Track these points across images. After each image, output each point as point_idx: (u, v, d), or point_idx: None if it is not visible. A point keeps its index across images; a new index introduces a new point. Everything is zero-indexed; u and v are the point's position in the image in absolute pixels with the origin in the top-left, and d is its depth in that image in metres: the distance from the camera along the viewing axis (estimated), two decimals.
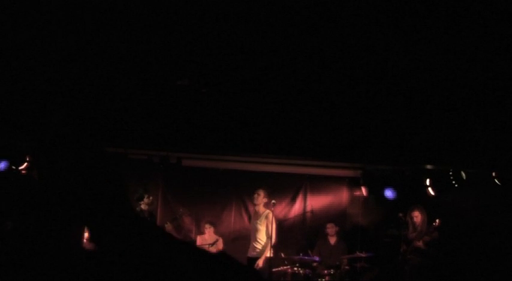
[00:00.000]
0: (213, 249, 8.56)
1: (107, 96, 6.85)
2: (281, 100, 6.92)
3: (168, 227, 8.57)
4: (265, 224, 8.42)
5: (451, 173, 7.11)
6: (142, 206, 8.39)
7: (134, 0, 4.62)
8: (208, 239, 9.06)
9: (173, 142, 8.02)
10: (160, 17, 4.93)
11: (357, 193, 9.74)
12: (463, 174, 7.07)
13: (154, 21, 5.06)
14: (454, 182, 7.08)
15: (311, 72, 6.70)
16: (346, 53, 6.17)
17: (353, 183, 9.85)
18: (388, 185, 9.22)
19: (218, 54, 5.99)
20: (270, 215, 8.51)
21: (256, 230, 8.62)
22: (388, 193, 9.26)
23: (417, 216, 8.51)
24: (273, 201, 8.49)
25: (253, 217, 8.80)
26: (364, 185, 9.55)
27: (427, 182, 7.92)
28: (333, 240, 9.13)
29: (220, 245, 8.99)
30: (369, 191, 9.48)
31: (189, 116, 7.28)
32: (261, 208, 8.58)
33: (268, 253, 8.34)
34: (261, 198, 8.58)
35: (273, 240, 8.35)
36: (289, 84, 6.75)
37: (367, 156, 8.06)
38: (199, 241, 9.15)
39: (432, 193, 7.89)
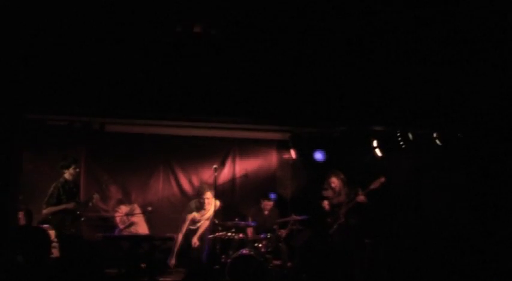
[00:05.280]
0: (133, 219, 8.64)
1: (20, 57, 6.21)
2: (207, 61, 6.60)
3: (96, 198, 7.99)
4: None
5: (398, 134, 7.10)
6: (66, 176, 7.75)
7: None
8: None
9: (95, 106, 7.42)
10: None
11: (286, 156, 9.62)
12: (410, 135, 7.08)
13: None
14: (401, 143, 7.08)
15: (234, 33, 6.41)
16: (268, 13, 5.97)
17: (282, 146, 9.73)
18: (317, 148, 9.16)
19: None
20: (218, 203, 8.61)
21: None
22: (317, 156, 9.20)
23: (334, 182, 8.56)
24: (215, 166, 8.42)
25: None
26: (292, 148, 9.43)
27: (374, 143, 7.89)
28: (267, 211, 8.94)
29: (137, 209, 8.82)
30: (298, 154, 9.38)
31: (110, 79, 6.73)
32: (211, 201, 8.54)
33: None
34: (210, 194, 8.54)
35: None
36: (214, 45, 6.45)
37: (296, 118, 7.91)
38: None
39: (379, 154, 7.89)
